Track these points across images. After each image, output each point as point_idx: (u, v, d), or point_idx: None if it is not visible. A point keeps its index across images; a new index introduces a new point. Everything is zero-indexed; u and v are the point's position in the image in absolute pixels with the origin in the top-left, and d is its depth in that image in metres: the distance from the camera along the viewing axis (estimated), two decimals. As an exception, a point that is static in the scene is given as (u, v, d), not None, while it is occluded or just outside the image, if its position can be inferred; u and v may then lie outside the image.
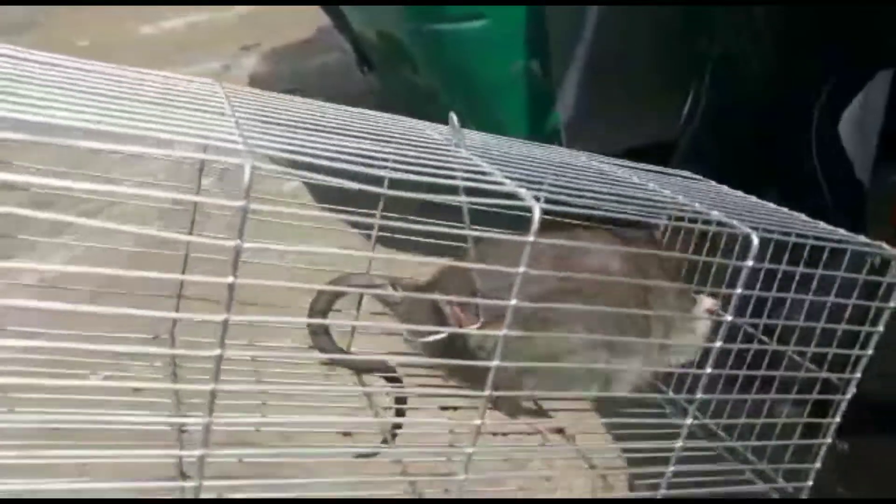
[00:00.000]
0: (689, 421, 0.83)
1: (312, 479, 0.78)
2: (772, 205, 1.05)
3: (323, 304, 1.06)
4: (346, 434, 0.95)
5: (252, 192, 0.63)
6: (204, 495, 0.70)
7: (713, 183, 1.15)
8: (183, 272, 1.02)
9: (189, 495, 0.71)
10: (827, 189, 2.38)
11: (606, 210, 0.75)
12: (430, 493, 0.81)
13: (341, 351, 1.08)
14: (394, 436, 0.98)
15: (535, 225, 0.67)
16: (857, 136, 2.32)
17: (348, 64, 4.10)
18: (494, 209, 0.73)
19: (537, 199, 0.69)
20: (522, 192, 0.70)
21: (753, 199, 1.07)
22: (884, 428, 2.44)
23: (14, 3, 3.71)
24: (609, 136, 3.14)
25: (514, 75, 2.94)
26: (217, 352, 0.66)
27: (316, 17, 4.31)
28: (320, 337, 1.06)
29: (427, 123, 1.12)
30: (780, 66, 2.30)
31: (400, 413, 1.01)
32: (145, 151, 0.74)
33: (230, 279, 0.64)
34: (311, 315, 1.06)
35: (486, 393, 0.73)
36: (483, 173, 0.78)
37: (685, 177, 1.15)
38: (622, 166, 1.09)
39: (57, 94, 0.76)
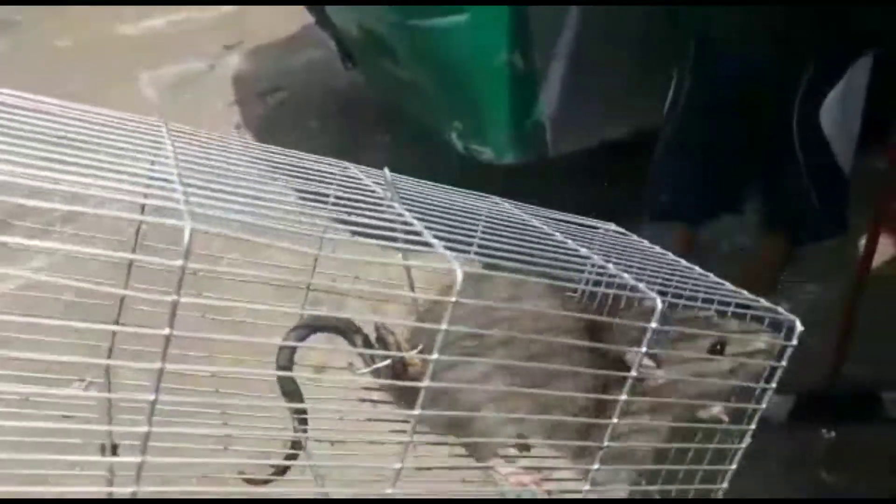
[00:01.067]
0: (595, 466, 0.90)
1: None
2: (683, 262, 1.09)
3: (285, 361, 1.06)
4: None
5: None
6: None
7: (634, 237, 1.20)
8: (117, 321, 1.04)
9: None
10: (808, 176, 2.44)
11: (528, 273, 0.82)
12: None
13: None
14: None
15: (458, 287, 0.73)
16: (839, 123, 2.38)
17: (332, 60, 4.15)
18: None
19: (461, 261, 0.75)
20: (449, 254, 0.77)
21: (670, 256, 1.11)
22: (867, 417, 2.52)
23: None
24: (593, 127, 3.21)
25: (497, 69, 3.01)
26: (152, 397, 0.70)
27: (299, 15, 4.35)
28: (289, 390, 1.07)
29: (364, 169, 1.14)
30: (761, 52, 2.36)
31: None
32: (84, 210, 0.76)
33: (167, 331, 0.68)
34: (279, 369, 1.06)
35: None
36: (416, 233, 0.84)
37: (617, 232, 1.21)
38: (549, 219, 1.14)
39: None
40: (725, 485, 1.02)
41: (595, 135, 3.25)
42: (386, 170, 1.08)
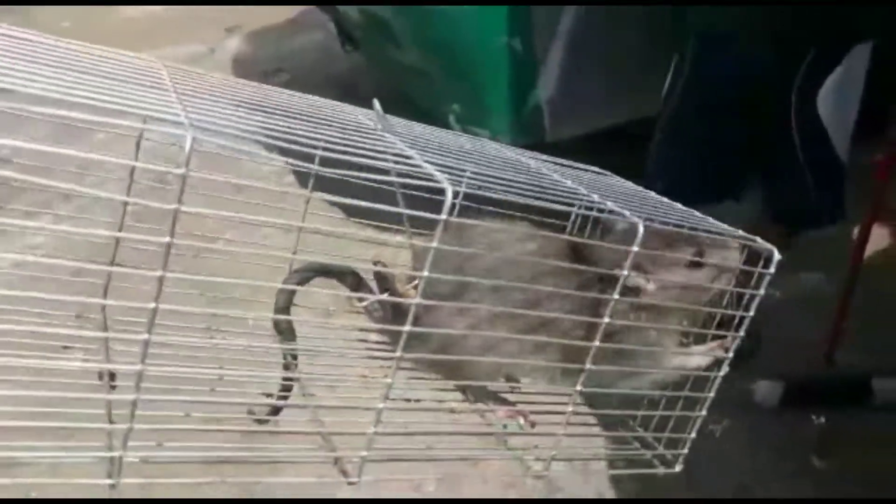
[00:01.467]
0: (578, 388, 0.93)
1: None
2: (666, 200, 1.14)
3: (283, 302, 1.09)
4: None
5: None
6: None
7: (618, 178, 1.24)
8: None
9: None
10: (806, 164, 2.44)
11: (517, 197, 0.83)
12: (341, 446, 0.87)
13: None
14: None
15: (447, 206, 0.74)
16: (836, 112, 2.39)
17: (331, 43, 4.16)
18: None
19: (454, 184, 0.76)
20: (438, 175, 0.78)
21: (652, 194, 1.17)
22: (858, 403, 2.52)
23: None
24: (591, 112, 3.21)
25: (497, 52, 3.02)
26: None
27: (298, -2, 4.39)
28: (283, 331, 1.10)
29: (359, 109, 1.18)
30: (759, 40, 2.36)
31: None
32: (92, 119, 0.78)
33: (167, 239, 0.70)
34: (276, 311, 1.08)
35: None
36: (405, 157, 0.85)
37: (596, 172, 1.24)
38: (538, 159, 1.16)
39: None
40: (704, 412, 1.03)
41: (593, 121, 3.25)
42: (375, 101, 1.11)
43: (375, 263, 1.05)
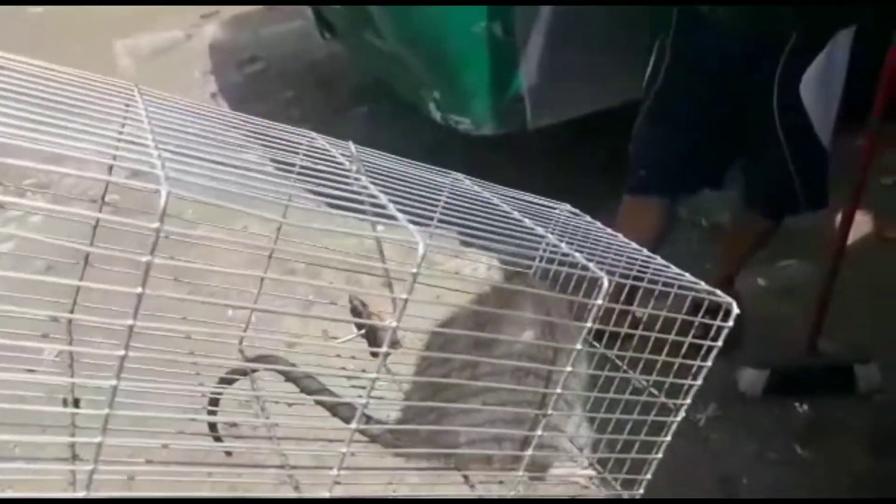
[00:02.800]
0: (538, 432, 0.96)
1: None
2: (634, 245, 1.13)
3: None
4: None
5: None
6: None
7: (588, 218, 1.23)
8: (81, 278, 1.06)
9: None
10: (789, 151, 2.43)
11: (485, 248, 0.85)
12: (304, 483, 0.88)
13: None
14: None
15: (420, 259, 0.77)
16: (818, 98, 2.38)
17: (309, 31, 4.15)
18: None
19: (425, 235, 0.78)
20: (412, 228, 0.80)
21: (621, 238, 1.15)
22: (841, 391, 2.55)
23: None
24: (572, 100, 3.22)
25: (477, 38, 3.01)
26: (121, 352, 0.73)
27: (276, -15, 4.37)
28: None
29: (331, 140, 1.15)
30: (741, 23, 2.35)
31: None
32: (62, 171, 0.78)
33: (138, 289, 0.71)
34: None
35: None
36: (381, 206, 0.87)
37: (570, 212, 1.23)
38: (507, 198, 1.17)
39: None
40: (660, 455, 1.05)
41: (574, 108, 3.26)
42: (351, 143, 1.10)
43: (352, 301, 1.06)
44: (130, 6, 5.13)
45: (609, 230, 1.16)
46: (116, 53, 4.68)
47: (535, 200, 1.19)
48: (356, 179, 0.94)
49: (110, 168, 0.85)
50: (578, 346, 0.89)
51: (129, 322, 0.72)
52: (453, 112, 3.23)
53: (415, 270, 0.77)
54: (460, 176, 1.19)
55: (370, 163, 1.08)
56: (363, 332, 1.05)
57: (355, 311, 1.07)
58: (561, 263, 0.94)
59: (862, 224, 3.02)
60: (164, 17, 5.06)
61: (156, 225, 0.69)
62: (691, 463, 2.24)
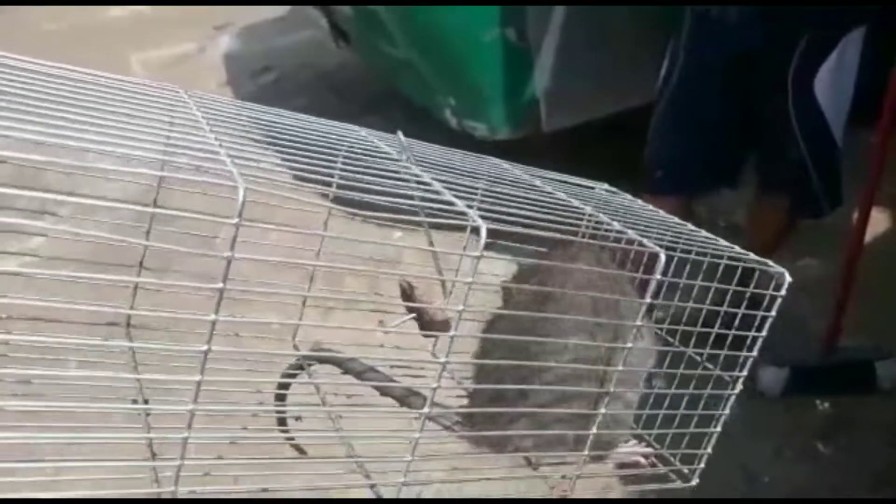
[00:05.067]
0: (602, 410, 0.96)
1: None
2: (676, 219, 1.15)
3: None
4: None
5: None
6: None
7: (629, 197, 1.25)
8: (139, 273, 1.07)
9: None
10: (805, 149, 2.44)
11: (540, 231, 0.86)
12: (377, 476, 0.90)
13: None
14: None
15: (483, 241, 0.78)
16: (832, 96, 2.39)
17: (322, 40, 4.17)
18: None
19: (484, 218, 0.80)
20: (471, 213, 0.81)
21: (662, 213, 1.17)
22: (861, 388, 2.54)
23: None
24: (587, 102, 3.23)
25: (491, 44, 3.03)
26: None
27: (287, -4, 4.38)
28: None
29: (377, 133, 1.18)
30: (755, 23, 2.36)
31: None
32: (139, 172, 0.81)
33: (220, 285, 0.73)
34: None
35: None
36: (436, 192, 0.89)
37: (607, 190, 1.25)
38: (550, 180, 1.18)
39: (46, 107, 0.82)
40: (719, 428, 1.06)
41: (589, 110, 3.26)
42: (400, 133, 1.12)
43: (401, 284, 1.07)
44: (143, 21, 5.14)
45: (648, 206, 1.19)
46: (132, 67, 4.70)
47: (572, 180, 1.21)
48: (406, 168, 0.96)
49: (162, 166, 0.87)
50: (639, 322, 0.90)
51: (212, 317, 0.74)
52: (469, 118, 3.25)
53: (478, 254, 0.78)
54: (497, 160, 1.21)
55: (419, 152, 1.09)
56: (413, 315, 1.06)
57: (405, 294, 1.08)
58: (607, 238, 0.95)
59: (879, 220, 3.02)
60: (177, 30, 5.08)
61: (236, 220, 0.71)
62: (711, 460, 2.24)
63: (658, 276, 0.88)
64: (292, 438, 1.03)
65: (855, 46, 2.38)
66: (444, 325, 1.07)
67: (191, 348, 0.77)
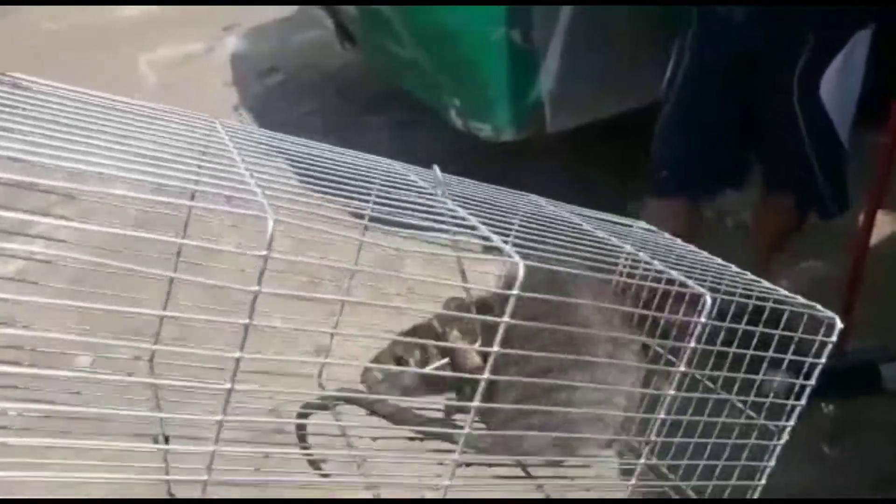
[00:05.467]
0: (642, 461, 0.95)
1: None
2: (718, 260, 1.12)
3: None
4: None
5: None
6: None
7: (666, 235, 1.23)
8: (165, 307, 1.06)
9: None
10: (810, 147, 2.41)
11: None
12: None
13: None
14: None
15: (520, 280, 0.77)
16: (838, 95, 2.37)
17: (328, 41, 4.15)
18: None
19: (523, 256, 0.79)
20: (507, 248, 0.80)
21: (705, 254, 1.14)
22: (867, 391, 2.54)
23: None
24: (592, 103, 3.21)
25: (496, 45, 3.01)
26: (228, 385, 0.74)
27: (294, -4, 4.37)
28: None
29: (409, 167, 1.16)
30: (761, 23, 2.34)
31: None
32: (170, 202, 0.80)
33: (246, 320, 0.72)
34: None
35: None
36: (472, 227, 0.88)
37: (645, 229, 1.24)
38: (587, 217, 1.17)
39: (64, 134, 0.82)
40: (763, 481, 1.05)
41: (594, 111, 3.24)
42: (436, 168, 1.10)
43: (435, 329, 1.06)
44: (151, 21, 5.13)
45: (690, 245, 1.17)
46: (139, 67, 4.69)
47: (610, 218, 1.19)
48: (441, 203, 0.96)
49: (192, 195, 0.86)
50: (682, 368, 0.89)
51: (237, 354, 0.73)
52: (474, 119, 3.23)
53: (515, 292, 0.77)
54: (535, 197, 1.20)
55: (451, 187, 1.08)
56: (447, 360, 1.05)
57: (438, 337, 1.07)
58: (657, 281, 0.94)
59: (885, 223, 3.02)
60: (185, 30, 5.07)
61: (264, 253, 0.70)
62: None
63: (703, 320, 0.86)
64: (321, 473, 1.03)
65: (862, 47, 2.37)
66: (477, 371, 1.05)
67: (215, 386, 0.77)
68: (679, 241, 1.19)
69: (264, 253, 0.70)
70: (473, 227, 0.88)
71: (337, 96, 4.45)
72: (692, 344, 0.88)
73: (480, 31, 3.03)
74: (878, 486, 2.29)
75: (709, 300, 0.86)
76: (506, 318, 0.78)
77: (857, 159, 2.52)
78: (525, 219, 1.04)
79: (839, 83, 2.37)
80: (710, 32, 2.46)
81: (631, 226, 1.22)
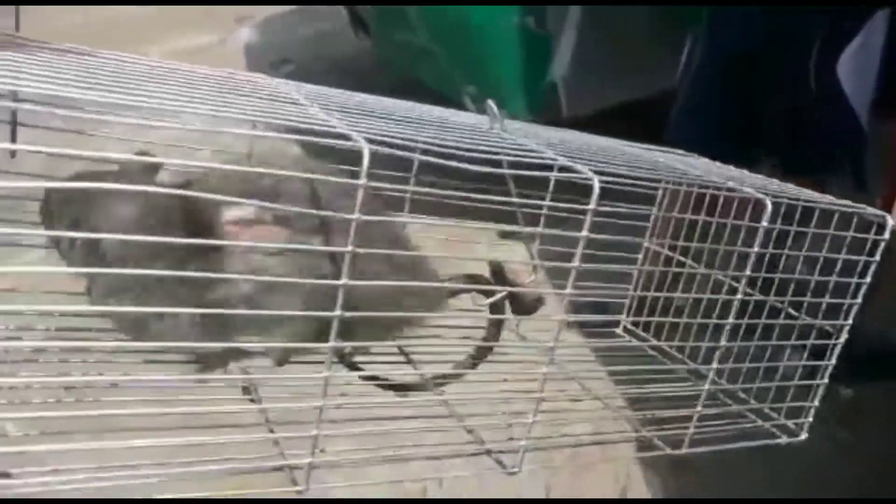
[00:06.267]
0: (706, 386, 0.98)
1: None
2: (760, 175, 1.17)
3: None
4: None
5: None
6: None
7: (705, 159, 1.29)
8: None
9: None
10: (829, 131, 2.40)
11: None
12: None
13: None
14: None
15: (595, 196, 0.79)
16: (854, 83, 2.34)
17: (341, 30, 4.19)
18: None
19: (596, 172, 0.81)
20: (579, 167, 0.83)
21: (745, 172, 1.19)
22: (886, 374, 2.54)
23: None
24: (606, 88, 3.24)
25: (511, 30, 3.06)
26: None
27: (307, -14, 4.39)
28: None
29: (462, 113, 1.21)
30: (774, 14, 2.35)
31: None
32: (268, 136, 0.84)
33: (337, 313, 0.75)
34: None
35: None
36: (539, 152, 0.91)
37: (681, 154, 1.29)
38: (634, 146, 1.23)
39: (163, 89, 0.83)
40: (825, 380, 1.09)
41: (609, 96, 3.27)
42: (490, 102, 1.12)
43: (491, 264, 1.08)
44: (164, 13, 5.16)
45: (729, 166, 1.21)
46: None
47: (652, 147, 1.24)
48: (502, 136, 0.99)
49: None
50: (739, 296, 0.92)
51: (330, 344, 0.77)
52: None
53: (591, 206, 0.78)
54: (585, 134, 1.23)
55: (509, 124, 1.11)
56: (505, 294, 1.05)
57: (495, 273, 1.08)
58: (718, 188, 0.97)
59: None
60: (196, 23, 5.11)
61: (363, 181, 0.71)
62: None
63: (765, 224, 0.88)
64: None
65: (879, 30, 2.37)
66: (535, 305, 1.08)
67: (313, 376, 0.80)
68: (717, 163, 1.24)
69: (363, 181, 0.72)
70: (537, 152, 0.91)
71: (349, 86, 4.43)
72: (756, 248, 0.89)
73: (494, 17, 3.07)
74: (893, 472, 2.29)
75: (769, 204, 0.88)
76: (585, 232, 0.80)
77: (875, 150, 2.52)
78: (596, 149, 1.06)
79: (856, 67, 2.35)
80: (722, 25, 2.48)
81: (673, 152, 1.27)
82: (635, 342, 1.24)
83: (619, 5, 3.04)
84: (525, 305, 1.08)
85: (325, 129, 0.77)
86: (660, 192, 1.20)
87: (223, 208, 0.87)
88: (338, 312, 0.75)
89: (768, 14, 2.39)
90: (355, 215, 0.72)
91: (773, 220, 0.89)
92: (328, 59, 4.66)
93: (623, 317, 1.28)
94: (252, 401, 0.90)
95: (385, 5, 3.49)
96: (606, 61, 3.15)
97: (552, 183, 1.06)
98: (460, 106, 3.26)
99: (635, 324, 1.29)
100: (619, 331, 1.30)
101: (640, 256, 1.27)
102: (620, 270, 1.04)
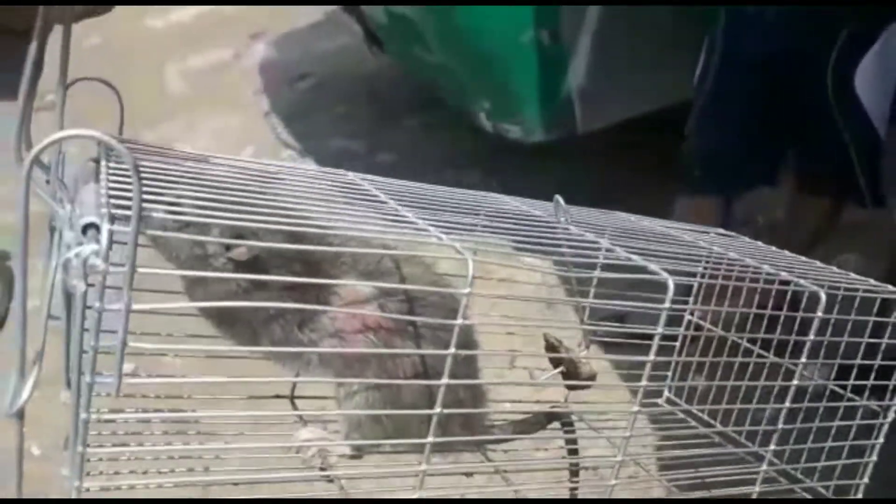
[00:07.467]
0: (764, 467, 1.06)
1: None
2: (802, 258, 1.22)
3: None
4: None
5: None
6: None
7: (746, 239, 1.33)
8: None
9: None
10: (847, 137, 2.36)
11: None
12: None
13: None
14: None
15: (669, 296, 0.87)
16: (873, 87, 2.30)
17: (357, 46, 4.18)
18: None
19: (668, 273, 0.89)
20: (653, 267, 0.91)
21: (787, 253, 1.25)
22: None
23: (16, 3, 3.74)
24: (622, 102, 3.23)
25: (525, 46, 3.04)
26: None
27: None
28: None
29: (527, 201, 1.24)
30: (792, 16, 2.36)
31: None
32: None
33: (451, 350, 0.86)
34: None
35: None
36: (609, 250, 0.99)
37: (721, 234, 1.34)
38: (677, 228, 1.28)
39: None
40: (874, 458, 1.15)
41: (624, 111, 3.27)
42: (558, 197, 1.18)
43: (547, 339, 1.16)
44: (177, 30, 5.19)
45: (772, 247, 1.27)
46: (167, 75, 4.74)
47: (691, 228, 1.29)
48: (565, 229, 1.07)
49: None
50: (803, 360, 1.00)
51: (444, 381, 0.86)
52: (503, 120, 3.29)
53: (666, 306, 0.87)
54: (623, 213, 1.30)
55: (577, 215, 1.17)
56: (561, 368, 1.13)
57: (551, 348, 1.16)
58: (769, 282, 1.03)
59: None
60: (213, 39, 5.12)
61: (468, 290, 0.82)
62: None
63: (820, 314, 0.96)
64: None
65: None
66: (589, 379, 1.14)
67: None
68: (760, 242, 1.30)
69: (467, 290, 0.83)
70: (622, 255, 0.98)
71: (368, 100, 4.50)
72: (812, 336, 0.98)
73: (508, 32, 3.06)
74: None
75: (823, 296, 0.96)
76: (660, 329, 0.89)
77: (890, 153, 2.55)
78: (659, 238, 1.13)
79: (875, 74, 2.30)
80: (739, 30, 2.49)
81: (709, 232, 1.31)
82: (680, 414, 1.31)
83: (633, 18, 3.04)
84: (579, 379, 1.15)
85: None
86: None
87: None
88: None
89: (782, 27, 2.42)
90: (458, 321, 0.82)
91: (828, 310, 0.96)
92: (348, 74, 4.69)
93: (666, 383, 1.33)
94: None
95: (396, 21, 3.50)
96: (622, 75, 3.17)
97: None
98: (475, 122, 3.31)
99: (678, 394, 1.34)
100: (660, 401, 1.36)
101: (682, 328, 1.29)
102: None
